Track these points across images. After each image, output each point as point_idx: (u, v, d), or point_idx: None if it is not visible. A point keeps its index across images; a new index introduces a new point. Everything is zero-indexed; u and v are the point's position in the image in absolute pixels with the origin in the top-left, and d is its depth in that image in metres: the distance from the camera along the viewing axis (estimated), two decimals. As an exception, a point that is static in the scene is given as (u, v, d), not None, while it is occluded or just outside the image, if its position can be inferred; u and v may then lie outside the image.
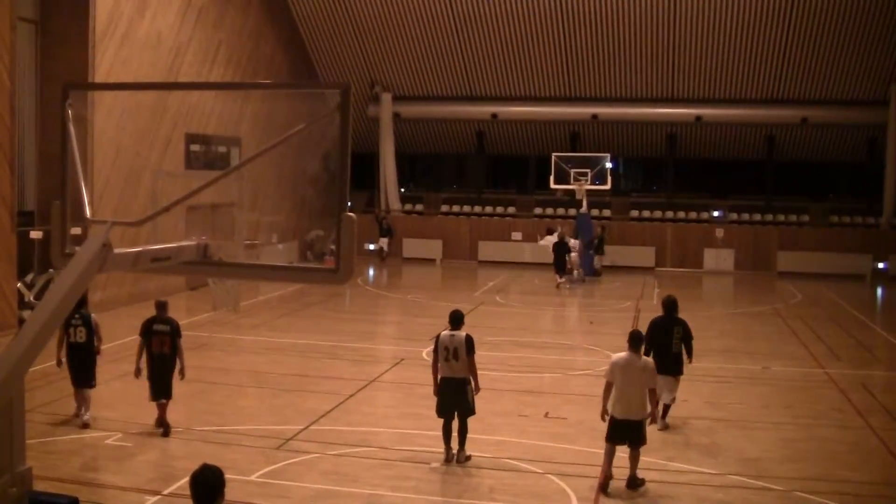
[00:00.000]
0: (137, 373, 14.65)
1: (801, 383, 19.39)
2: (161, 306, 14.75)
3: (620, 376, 12.42)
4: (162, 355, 14.45)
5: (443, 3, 39.66)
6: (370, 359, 21.34)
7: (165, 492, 11.75)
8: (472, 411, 13.31)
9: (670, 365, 15.15)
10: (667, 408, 15.36)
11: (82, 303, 14.61)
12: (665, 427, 15.22)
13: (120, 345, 19.76)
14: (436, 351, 13.43)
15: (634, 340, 12.65)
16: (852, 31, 37.95)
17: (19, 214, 23.35)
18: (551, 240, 35.93)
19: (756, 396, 18.07)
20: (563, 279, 35.08)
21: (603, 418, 12.55)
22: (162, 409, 14.43)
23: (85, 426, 14.56)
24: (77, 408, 14.98)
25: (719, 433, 15.30)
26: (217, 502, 6.09)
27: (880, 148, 40.98)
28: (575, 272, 36.28)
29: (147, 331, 14.55)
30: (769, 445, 14.63)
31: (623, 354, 12.61)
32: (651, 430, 13.29)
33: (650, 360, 12.86)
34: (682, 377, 15.59)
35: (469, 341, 13.23)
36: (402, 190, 46.10)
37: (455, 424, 13.32)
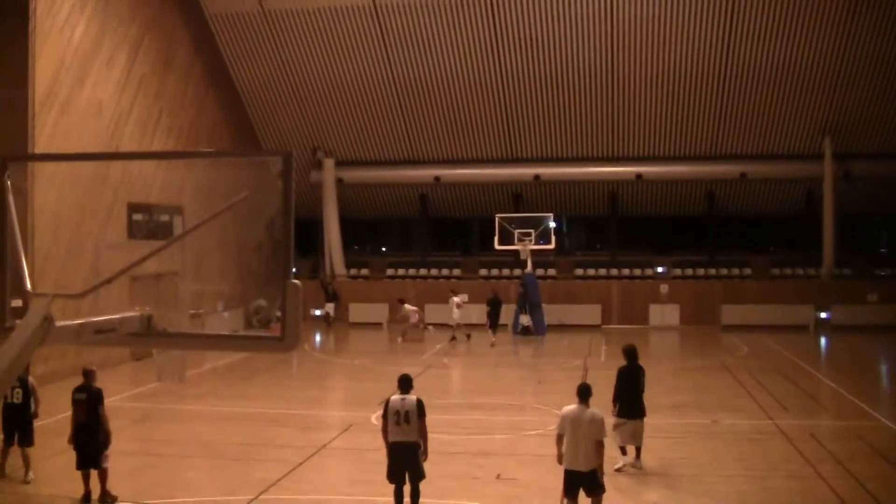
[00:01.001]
0: (70, 440, 14.42)
1: (751, 435, 19.45)
2: (85, 374, 14.46)
3: (570, 428, 12.49)
4: (81, 424, 14.15)
5: (383, 69, 40.00)
6: (319, 425, 21.12)
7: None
8: (423, 475, 13.15)
9: (639, 408, 16.30)
10: (639, 450, 16.30)
11: None
12: (640, 468, 16.11)
13: (64, 418, 19.36)
14: (385, 416, 13.21)
15: (583, 393, 12.82)
16: (786, 87, 38.82)
17: (-42, 289, 22.96)
18: (456, 300, 36.18)
19: (707, 450, 18.12)
20: (495, 337, 35.57)
21: (560, 462, 12.91)
22: (101, 478, 14.11)
23: (26, 483, 15.06)
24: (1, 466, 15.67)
25: (672, 488, 15.30)
26: None
27: (817, 200, 41.69)
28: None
29: (72, 399, 14.41)
30: (722, 499, 14.63)
31: (572, 407, 12.67)
32: (616, 477, 13.30)
33: (598, 412, 12.74)
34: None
35: (420, 405, 13.08)
36: (355, 247, 46.03)
37: (407, 489, 13.15)
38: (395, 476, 13.18)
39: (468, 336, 36.05)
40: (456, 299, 35.74)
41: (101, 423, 14.14)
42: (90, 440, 14.09)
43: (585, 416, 12.50)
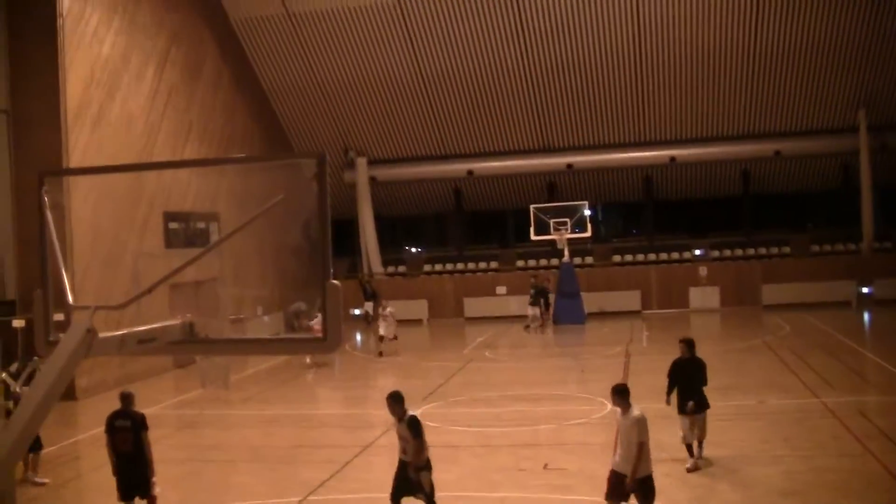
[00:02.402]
0: (114, 470, 13.23)
1: (797, 415, 19.31)
2: (124, 398, 13.42)
3: (618, 430, 12.11)
4: (125, 454, 12.98)
5: (410, 65, 40.02)
6: (364, 424, 21.16)
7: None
8: (429, 496, 12.35)
9: (698, 402, 15.67)
10: (700, 444, 15.85)
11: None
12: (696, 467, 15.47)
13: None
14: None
15: (620, 394, 12.05)
16: (818, 61, 38.47)
17: (0, 304, 23.22)
18: (384, 313, 33.02)
19: (754, 431, 18.00)
20: (535, 324, 36.10)
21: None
22: None
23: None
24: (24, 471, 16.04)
25: (721, 471, 15.21)
26: None
27: (854, 174, 41.31)
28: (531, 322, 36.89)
29: (110, 427, 13.17)
30: (772, 480, 14.54)
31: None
32: (664, 463, 13.10)
33: (640, 413, 11.90)
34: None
35: (413, 424, 12.29)
36: (391, 245, 46.15)
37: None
38: (397, 496, 12.68)
39: (527, 327, 36.46)
40: (385, 312, 32.33)
41: (144, 450, 13.03)
42: (135, 469, 12.98)
43: (628, 417, 11.87)
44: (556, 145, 43.44)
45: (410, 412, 12.44)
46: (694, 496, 13.85)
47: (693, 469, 15.20)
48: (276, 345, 10.14)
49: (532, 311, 36.76)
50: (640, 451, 11.60)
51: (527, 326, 36.54)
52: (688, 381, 15.66)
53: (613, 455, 12.15)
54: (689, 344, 15.96)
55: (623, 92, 40.54)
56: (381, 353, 31.53)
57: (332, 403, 23.16)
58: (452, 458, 16.91)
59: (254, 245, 34.90)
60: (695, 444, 15.58)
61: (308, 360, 29.31)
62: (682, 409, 15.51)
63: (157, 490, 13.07)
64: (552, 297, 37.98)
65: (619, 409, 12.03)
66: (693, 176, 44.18)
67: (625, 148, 42.91)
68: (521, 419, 20.13)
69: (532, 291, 37.01)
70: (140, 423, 13.02)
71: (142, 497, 13.04)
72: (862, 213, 40.66)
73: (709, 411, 15.79)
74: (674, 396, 15.78)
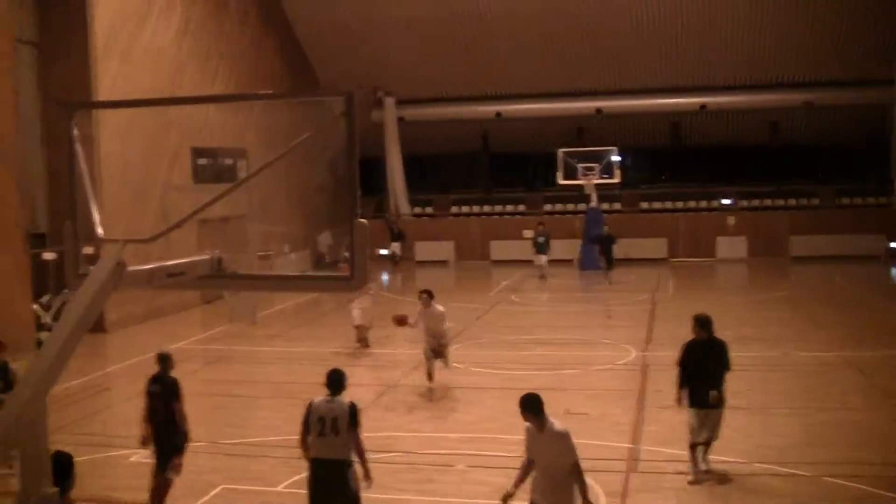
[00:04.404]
0: (144, 441, 11.77)
1: (820, 367, 19.25)
2: (159, 359, 11.86)
3: (530, 453, 9.51)
4: (156, 422, 11.58)
5: (441, 4, 39.62)
6: (389, 364, 21.29)
7: (191, 507, 11.74)
8: (355, 498, 9.96)
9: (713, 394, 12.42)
10: (709, 443, 12.64)
11: None
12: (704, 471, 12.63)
13: (135, 363, 19.79)
14: (305, 423, 10.18)
15: (530, 406, 9.31)
16: (853, 10, 37.84)
17: (31, 237, 23.40)
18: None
19: (776, 383, 17.99)
20: (609, 272, 34.38)
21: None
22: (161, 489, 11.55)
23: None
24: None
25: (741, 422, 15.17)
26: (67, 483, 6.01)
27: (885, 127, 40.76)
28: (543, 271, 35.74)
29: (146, 391, 11.79)
30: (792, 431, 14.54)
31: (527, 425, 9.44)
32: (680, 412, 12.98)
33: (561, 427, 9.25)
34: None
35: (353, 411, 10.08)
36: (418, 185, 46.06)
37: None
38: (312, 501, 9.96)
39: (542, 277, 35.60)
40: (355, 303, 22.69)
41: (175, 421, 11.46)
42: (167, 439, 11.50)
43: (547, 434, 9.19)
44: (585, 89, 43.08)
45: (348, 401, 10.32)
46: (723, 441, 13.82)
47: (695, 482, 12.30)
48: (304, 282, 10.12)
49: (539, 260, 35.75)
50: (579, 471, 9.10)
51: (542, 276, 35.52)
52: (704, 368, 12.47)
53: (533, 490, 9.34)
54: (704, 322, 12.76)
55: (653, 36, 40.04)
56: (362, 343, 22.75)
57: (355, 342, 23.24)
58: (475, 400, 17.00)
59: (282, 182, 34.97)
60: (699, 452, 12.52)
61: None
62: (694, 402, 12.46)
63: (174, 472, 11.45)
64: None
65: (530, 426, 9.30)
66: (722, 124, 43.77)
67: (654, 94, 42.51)
68: (544, 363, 20.17)
69: (541, 239, 35.90)
70: (171, 392, 11.51)
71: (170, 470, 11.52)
72: (892, 166, 40.16)
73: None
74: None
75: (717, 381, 12.38)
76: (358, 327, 22.47)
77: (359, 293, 20.44)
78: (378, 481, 10.31)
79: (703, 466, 12.44)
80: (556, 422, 9.21)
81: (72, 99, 23.41)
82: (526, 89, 43.36)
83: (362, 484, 10.00)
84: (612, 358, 20.29)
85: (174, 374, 11.82)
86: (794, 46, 39.79)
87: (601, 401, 16.71)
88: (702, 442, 12.42)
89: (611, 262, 34.62)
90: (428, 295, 18.15)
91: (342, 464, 9.81)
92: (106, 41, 26.30)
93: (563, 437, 9.02)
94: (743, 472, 12.62)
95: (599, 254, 34.86)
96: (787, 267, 38.10)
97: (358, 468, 9.98)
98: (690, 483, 12.21)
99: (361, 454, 9.96)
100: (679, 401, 12.61)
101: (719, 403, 12.38)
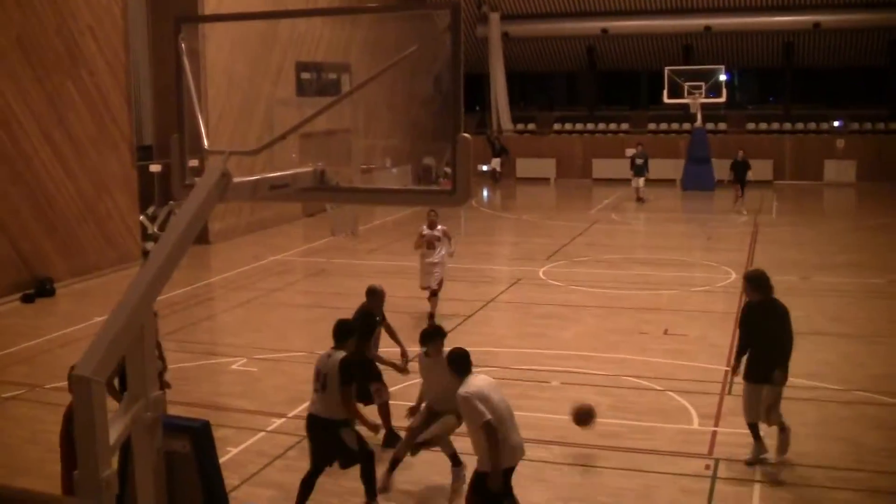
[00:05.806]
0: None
1: (930, 294, 18.83)
2: (370, 292, 12.09)
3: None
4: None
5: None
6: (487, 279, 21.38)
7: (290, 414, 12.03)
8: (356, 455, 9.20)
9: (774, 367, 10.21)
10: (783, 429, 10.43)
11: None
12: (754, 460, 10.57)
13: (239, 273, 20.23)
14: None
15: (458, 362, 9.01)
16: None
17: (138, 149, 23.88)
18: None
19: (882, 311, 17.60)
20: (741, 197, 32.47)
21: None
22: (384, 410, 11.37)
23: None
24: None
25: (844, 349, 14.96)
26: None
27: None
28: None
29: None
30: (897, 360, 14.29)
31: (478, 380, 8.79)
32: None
33: (471, 386, 8.53)
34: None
35: (345, 367, 9.18)
36: (521, 102, 45.72)
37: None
38: (312, 458, 9.40)
39: (639, 199, 34.42)
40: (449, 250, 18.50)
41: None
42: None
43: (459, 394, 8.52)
44: (694, 6, 42.05)
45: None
46: (824, 368, 13.64)
47: (753, 462, 10.34)
48: (406, 196, 10.21)
49: (636, 182, 34.56)
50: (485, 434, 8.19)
51: (639, 199, 34.43)
52: (760, 337, 10.32)
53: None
54: (757, 281, 10.45)
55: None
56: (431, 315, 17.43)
57: (456, 258, 23.31)
58: (574, 317, 17.02)
59: (385, 96, 34.98)
60: (762, 428, 10.45)
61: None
62: (750, 376, 10.35)
63: (378, 397, 11.30)
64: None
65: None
66: (836, 44, 42.36)
67: (766, 11, 41.31)
68: (643, 283, 20.06)
69: (639, 161, 34.60)
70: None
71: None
72: None
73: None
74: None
75: (778, 355, 10.18)
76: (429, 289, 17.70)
77: (439, 250, 17.82)
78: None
79: (764, 453, 10.39)
80: (474, 382, 8.56)
81: (179, 13, 23.66)
82: (633, 5, 42.51)
83: (370, 434, 9.58)
84: (712, 280, 20.09)
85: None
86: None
87: (700, 322, 16.60)
88: (756, 421, 10.38)
89: (743, 187, 32.36)
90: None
91: (334, 423, 9.08)
92: (213, -46, 26.40)
93: (465, 401, 8.35)
94: (840, 399, 12.45)
95: (734, 181, 32.64)
96: (898, 192, 37.08)
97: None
98: (748, 462, 10.29)
99: (352, 413, 9.17)
100: (734, 369, 10.71)
101: (781, 382, 10.22)
